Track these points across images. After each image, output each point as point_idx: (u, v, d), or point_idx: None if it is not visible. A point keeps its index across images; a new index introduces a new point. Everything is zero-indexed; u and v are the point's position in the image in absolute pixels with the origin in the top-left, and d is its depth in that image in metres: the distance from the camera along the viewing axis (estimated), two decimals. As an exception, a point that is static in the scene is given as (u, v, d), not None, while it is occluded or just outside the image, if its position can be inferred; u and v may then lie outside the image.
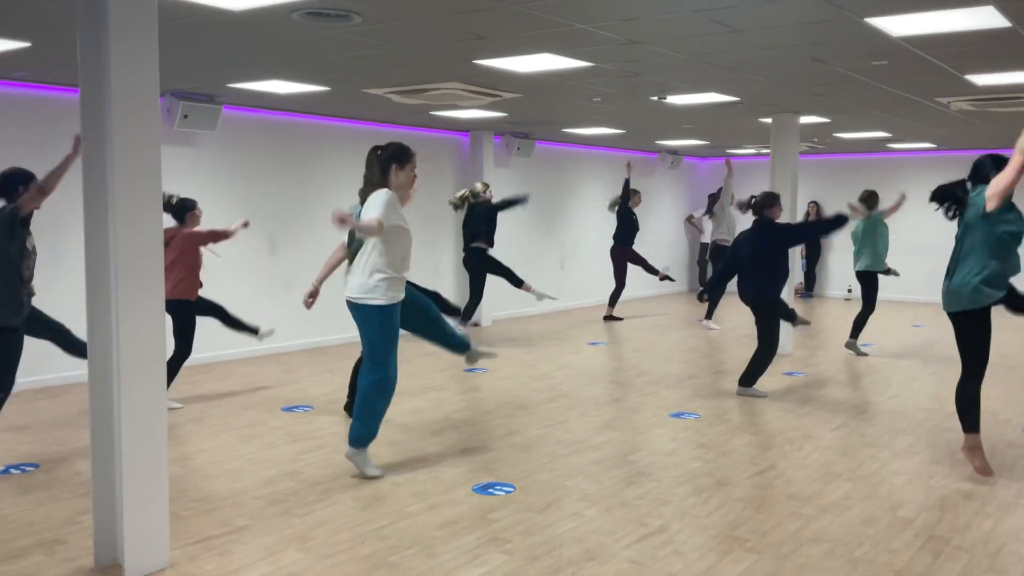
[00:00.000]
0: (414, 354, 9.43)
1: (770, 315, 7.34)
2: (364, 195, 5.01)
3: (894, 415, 6.76)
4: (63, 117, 7.51)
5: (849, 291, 15.01)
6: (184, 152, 8.61)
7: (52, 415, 6.63)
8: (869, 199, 9.38)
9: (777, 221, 7.39)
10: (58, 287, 7.66)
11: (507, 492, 4.87)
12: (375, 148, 5.05)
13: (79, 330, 7.14)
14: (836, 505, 4.69)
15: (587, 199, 14.05)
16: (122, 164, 3.59)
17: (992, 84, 7.16)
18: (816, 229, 9.09)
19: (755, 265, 7.24)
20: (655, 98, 8.21)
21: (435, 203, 11.37)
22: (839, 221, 7.35)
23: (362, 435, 5.10)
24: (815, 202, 15.16)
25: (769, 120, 9.77)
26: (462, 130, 11.57)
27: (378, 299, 4.89)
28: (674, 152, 15.38)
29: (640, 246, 15.32)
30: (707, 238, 15.61)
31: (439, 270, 11.48)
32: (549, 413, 6.74)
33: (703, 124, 10.69)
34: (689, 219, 16.30)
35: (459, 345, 5.71)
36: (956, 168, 15.16)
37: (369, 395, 5.04)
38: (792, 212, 9.61)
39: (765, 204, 7.34)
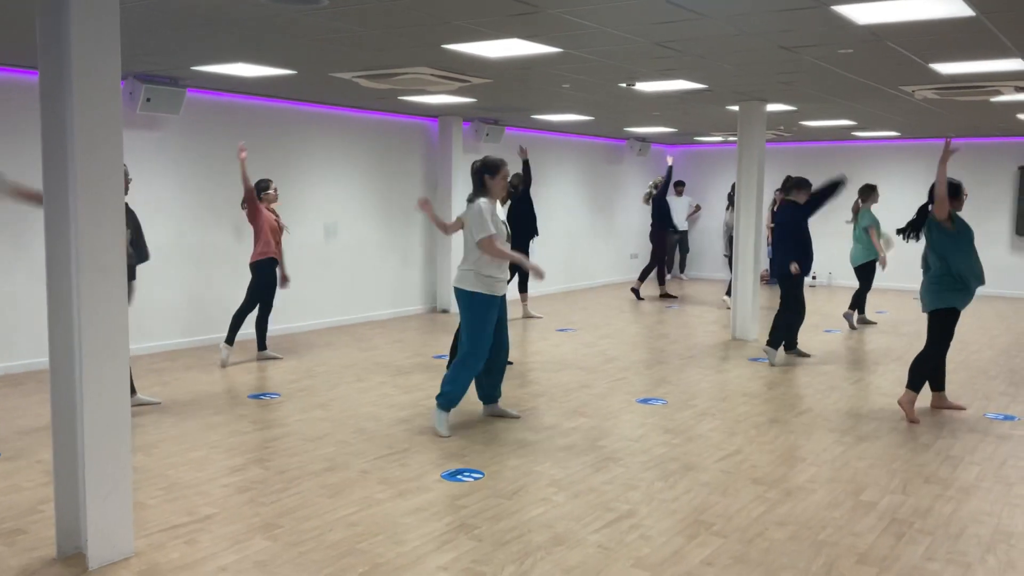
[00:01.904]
0: (383, 341, 9.40)
1: (792, 287, 8.22)
2: (470, 201, 5.81)
3: (858, 400, 6.85)
4: (21, 99, 7.37)
5: (814, 277, 15.16)
6: (147, 136, 8.47)
7: (14, 402, 6.52)
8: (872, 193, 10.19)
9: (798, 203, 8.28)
10: (19, 274, 7.54)
11: (476, 478, 4.88)
12: (473, 163, 5.81)
13: (40, 318, 7.04)
14: (801, 489, 4.75)
15: (556, 186, 14.04)
16: (83, 148, 3.52)
17: (956, 73, 7.24)
18: (822, 197, 8.51)
19: (779, 241, 8.29)
20: (623, 85, 8.21)
21: (404, 191, 11.33)
22: (838, 184, 8.32)
23: (443, 393, 5.74)
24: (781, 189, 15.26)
25: (736, 108, 9.82)
26: (431, 116, 11.50)
27: (468, 287, 5.69)
28: (642, 139, 15.42)
29: (610, 232, 15.44)
30: (678, 225, 15.70)
31: (408, 258, 11.44)
32: (518, 399, 6.75)
33: (671, 111, 10.72)
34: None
35: (487, 395, 6.22)
36: (920, 157, 15.36)
37: (458, 365, 5.76)
38: (759, 200, 9.70)
39: (793, 186, 8.38)
